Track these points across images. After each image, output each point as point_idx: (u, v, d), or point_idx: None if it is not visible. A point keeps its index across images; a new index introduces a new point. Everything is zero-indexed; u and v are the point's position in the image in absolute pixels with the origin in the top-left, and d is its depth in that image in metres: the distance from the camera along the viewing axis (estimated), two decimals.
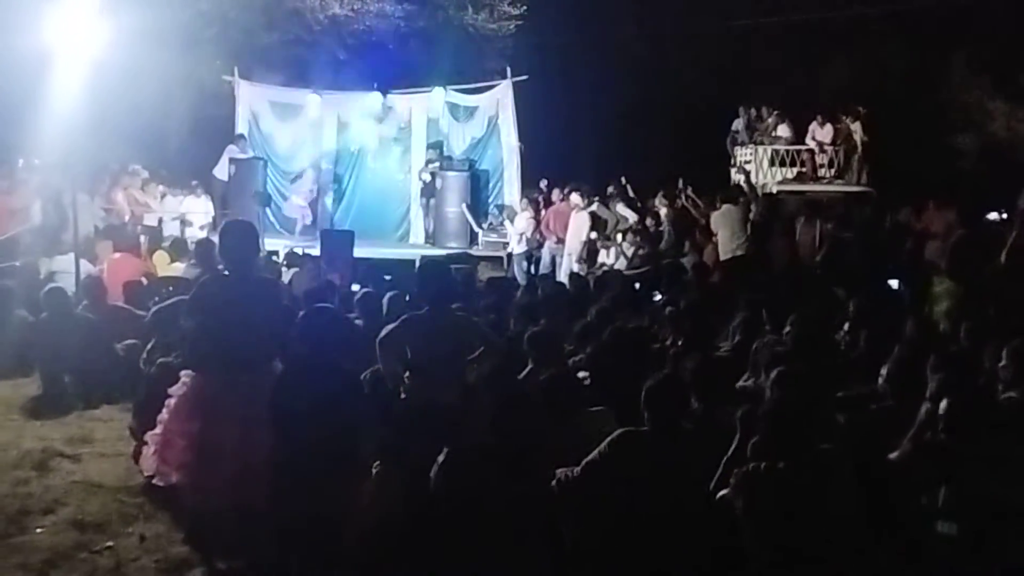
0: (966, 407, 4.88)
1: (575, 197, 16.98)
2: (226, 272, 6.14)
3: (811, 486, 4.53)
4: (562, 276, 15.33)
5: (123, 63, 12.96)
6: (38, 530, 6.05)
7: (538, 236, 17.47)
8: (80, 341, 9.37)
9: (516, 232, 17.73)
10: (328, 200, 20.97)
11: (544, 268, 16.99)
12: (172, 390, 5.99)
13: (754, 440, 4.78)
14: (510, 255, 17.89)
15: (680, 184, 19.05)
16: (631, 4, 27.54)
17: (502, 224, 18.97)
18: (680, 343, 7.82)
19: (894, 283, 11.54)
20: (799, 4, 25.51)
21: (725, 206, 14.07)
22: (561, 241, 16.97)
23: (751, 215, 13.93)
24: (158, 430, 5.98)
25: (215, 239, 9.17)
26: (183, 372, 6.04)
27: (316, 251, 15.29)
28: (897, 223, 12.55)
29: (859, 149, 22.86)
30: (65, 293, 10.04)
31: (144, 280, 11.43)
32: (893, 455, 5.07)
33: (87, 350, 9.35)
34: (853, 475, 4.68)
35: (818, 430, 4.86)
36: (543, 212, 18.04)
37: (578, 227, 16.68)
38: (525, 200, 18.58)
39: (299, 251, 14.92)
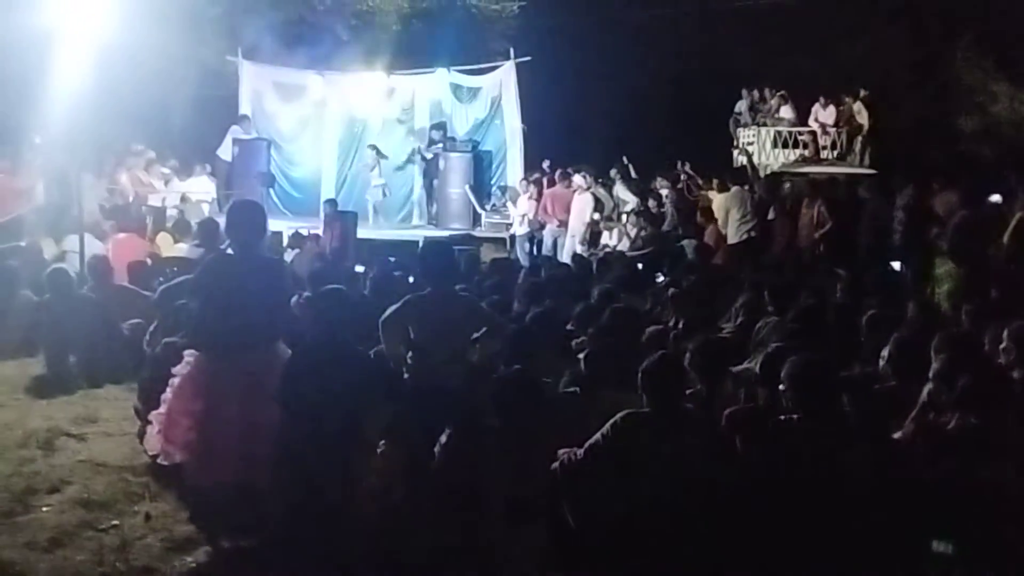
0: (981, 385, 4.92)
1: (578, 179, 16.98)
2: (231, 252, 6.17)
3: (834, 444, 4.61)
4: (564, 257, 15.37)
5: (126, 43, 12.93)
6: (44, 509, 6.08)
7: (540, 218, 17.48)
8: (84, 321, 9.39)
9: (518, 214, 17.75)
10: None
11: (546, 250, 17.00)
12: (176, 370, 6.03)
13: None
14: (513, 236, 17.92)
15: (679, 166, 19.10)
16: None
17: (505, 205, 19.01)
18: (682, 324, 7.84)
19: (896, 265, 11.56)
20: None
21: (735, 188, 14.08)
22: (562, 224, 16.97)
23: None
24: (162, 410, 6.02)
25: (219, 220, 9.22)
26: (187, 352, 6.07)
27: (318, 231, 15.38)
28: (899, 204, 12.53)
29: (862, 131, 22.90)
30: (68, 274, 10.05)
31: (148, 261, 11.46)
32: (896, 435, 5.10)
33: (91, 330, 9.38)
34: (868, 442, 4.75)
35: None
36: (545, 194, 18.04)
37: (581, 208, 16.68)
38: (525, 182, 18.55)
39: (304, 231, 14.96)
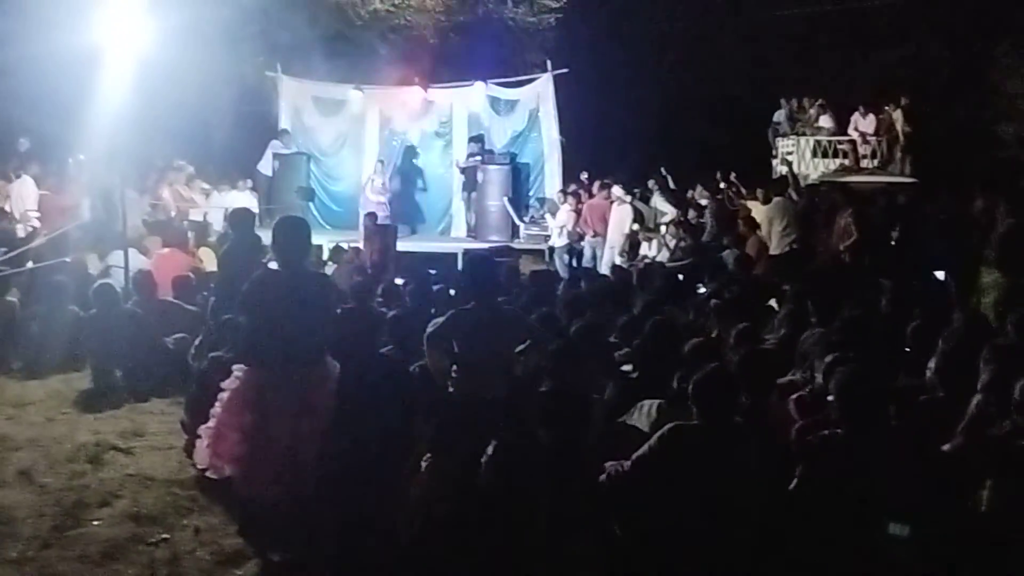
0: None
1: (617, 190, 16.98)
2: (276, 267, 6.23)
3: (878, 460, 4.57)
4: (603, 269, 15.37)
5: (168, 60, 13.04)
6: (95, 523, 6.15)
7: (579, 229, 17.48)
8: (129, 335, 9.53)
9: (557, 225, 17.76)
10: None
11: (586, 261, 17.00)
12: (224, 384, 6.08)
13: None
14: (551, 248, 17.92)
15: (719, 176, 19.04)
16: None
17: (543, 217, 19.01)
18: (725, 336, 7.81)
19: (940, 274, 11.44)
20: None
21: (777, 198, 13.99)
22: (598, 234, 16.97)
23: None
24: (211, 423, 6.07)
25: (261, 233, 9.31)
26: (235, 366, 6.12)
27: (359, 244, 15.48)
28: (942, 213, 12.41)
29: (901, 139, 22.74)
30: (114, 289, 10.18)
31: (191, 275, 11.57)
32: (946, 447, 5.05)
33: (136, 344, 9.51)
34: (917, 457, 4.71)
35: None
36: (583, 205, 18.04)
37: (620, 220, 16.69)
38: (561, 193, 18.57)
39: (344, 246, 15.04)
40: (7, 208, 14.70)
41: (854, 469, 4.61)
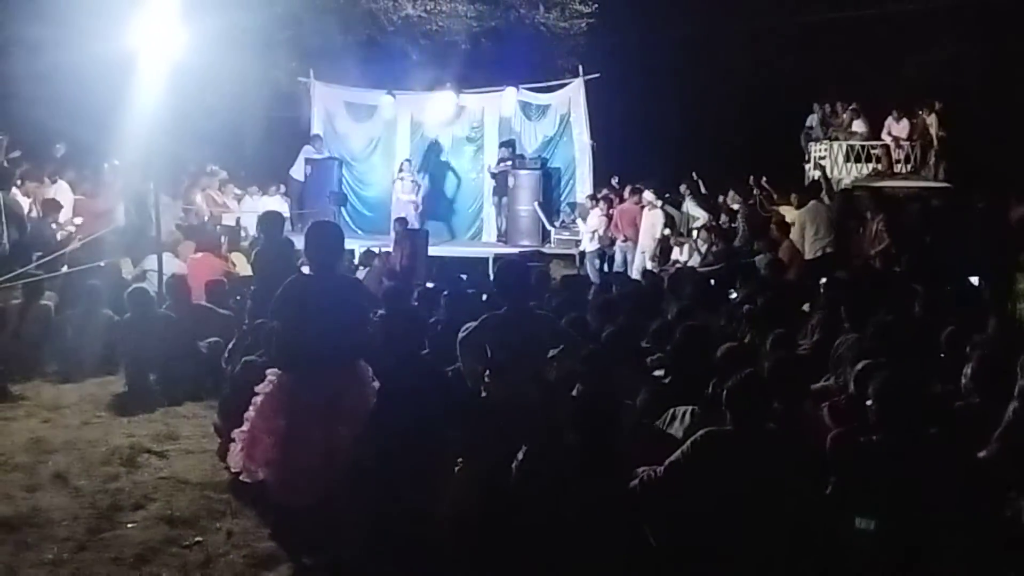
0: None
1: (648, 194, 16.94)
2: (310, 271, 6.26)
3: (917, 467, 4.54)
4: (634, 274, 15.36)
5: (201, 66, 13.19)
6: (129, 525, 6.19)
7: (610, 234, 17.46)
8: (163, 339, 9.60)
9: (588, 230, 17.76)
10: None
11: (617, 266, 16.99)
12: (258, 388, 6.10)
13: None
14: (582, 253, 17.93)
15: (751, 180, 18.96)
16: (702, 1, 27.39)
17: (574, 222, 19.00)
18: (758, 341, 7.78)
19: (974, 279, 11.36)
20: None
21: (813, 202, 13.90)
22: (628, 239, 16.95)
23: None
24: (245, 427, 6.09)
25: (293, 239, 9.36)
26: (269, 371, 6.15)
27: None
28: (976, 218, 12.32)
29: (935, 144, 22.57)
30: (148, 293, 10.27)
31: (225, 279, 11.65)
32: (981, 454, 5.01)
33: (170, 348, 9.59)
34: (954, 463, 4.67)
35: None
36: (615, 210, 18.02)
37: (651, 224, 16.66)
38: (590, 198, 18.55)
39: (375, 250, 15.10)
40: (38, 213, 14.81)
41: (892, 476, 4.58)
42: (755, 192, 18.86)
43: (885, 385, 4.79)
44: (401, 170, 19.83)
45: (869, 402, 4.87)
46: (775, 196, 17.79)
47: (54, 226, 14.11)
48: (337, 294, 5.95)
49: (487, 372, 6.11)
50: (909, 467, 4.55)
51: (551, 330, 6.36)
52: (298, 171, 19.95)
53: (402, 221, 16.93)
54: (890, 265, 12.65)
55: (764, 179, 19.30)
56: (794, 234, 13.87)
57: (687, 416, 5.58)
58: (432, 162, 21.24)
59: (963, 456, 4.82)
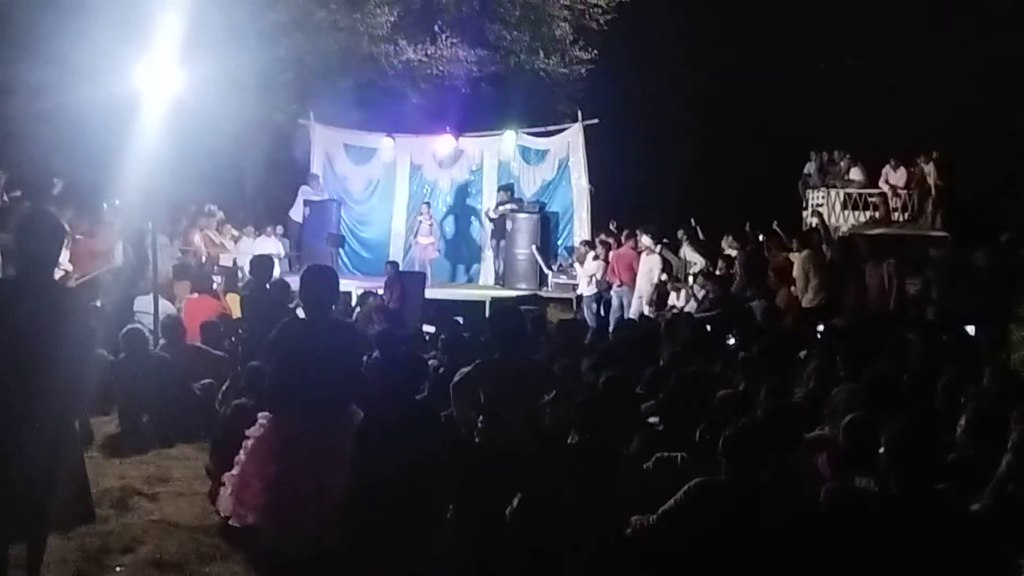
0: None
1: (645, 239, 16.96)
2: (304, 315, 6.24)
3: (922, 521, 4.51)
4: (631, 318, 15.31)
5: (201, 107, 13.20)
6: (118, 568, 6.13)
7: (607, 278, 17.46)
8: (157, 380, 9.53)
9: (586, 274, 17.74)
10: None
11: (614, 311, 16.96)
12: (249, 431, 6.06)
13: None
14: (579, 297, 17.90)
15: (748, 227, 18.92)
16: (701, 48, 27.58)
17: (571, 266, 19.01)
18: (753, 389, 7.74)
19: (971, 329, 11.34)
20: (871, 47, 25.38)
21: (807, 251, 13.85)
22: (624, 284, 16.95)
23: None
24: (235, 471, 6.05)
25: (288, 280, 9.35)
26: (260, 414, 6.11)
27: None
28: (973, 267, 12.32)
29: (933, 192, 22.61)
30: (143, 333, 10.20)
31: (219, 321, 11.61)
32: (975, 507, 4.97)
33: (164, 389, 9.51)
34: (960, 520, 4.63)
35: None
36: (612, 254, 18.01)
37: (648, 269, 16.64)
38: (583, 244, 18.53)
39: (373, 292, 15.12)
40: None
41: (895, 530, 4.53)
42: (761, 237, 18.78)
43: (899, 437, 4.74)
44: (420, 213, 19.92)
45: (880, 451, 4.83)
46: (786, 242, 17.70)
47: None
48: (329, 337, 5.92)
49: (480, 417, 6.10)
50: (912, 523, 4.50)
51: (544, 376, 6.37)
52: (297, 213, 20.00)
53: (393, 264, 16.93)
54: (906, 309, 12.64)
55: (775, 223, 19.22)
56: (797, 280, 13.80)
57: (676, 462, 5.55)
58: (453, 197, 21.43)
59: (961, 510, 4.78)
